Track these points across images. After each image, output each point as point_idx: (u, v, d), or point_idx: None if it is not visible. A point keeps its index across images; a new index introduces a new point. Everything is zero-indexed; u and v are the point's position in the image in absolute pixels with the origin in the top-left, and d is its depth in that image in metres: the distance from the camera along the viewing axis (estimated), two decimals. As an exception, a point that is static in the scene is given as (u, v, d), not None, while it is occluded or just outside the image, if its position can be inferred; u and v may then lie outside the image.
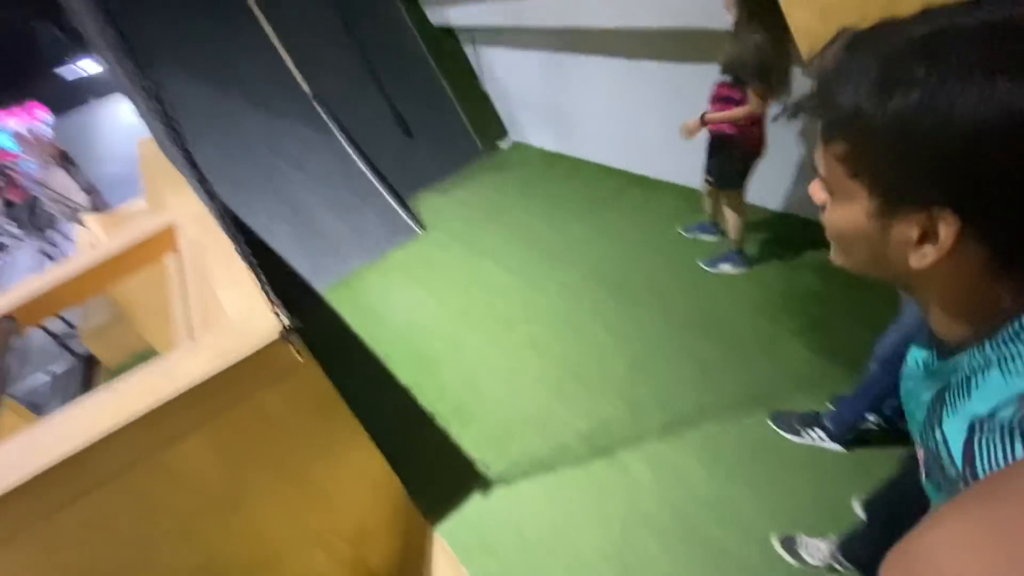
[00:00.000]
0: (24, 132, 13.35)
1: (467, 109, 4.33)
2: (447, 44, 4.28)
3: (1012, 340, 0.39)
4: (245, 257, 1.43)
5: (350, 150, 3.67)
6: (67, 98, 10.12)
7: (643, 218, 3.13)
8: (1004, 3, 0.35)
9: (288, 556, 1.62)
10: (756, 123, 2.02)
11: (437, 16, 4.10)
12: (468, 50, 4.34)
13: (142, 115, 3.10)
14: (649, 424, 1.98)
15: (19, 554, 1.19)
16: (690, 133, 2.14)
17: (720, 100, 2.03)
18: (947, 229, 0.37)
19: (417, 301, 3.08)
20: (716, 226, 2.66)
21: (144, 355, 5.00)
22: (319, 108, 3.68)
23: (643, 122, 3.28)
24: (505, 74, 4.19)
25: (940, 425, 0.41)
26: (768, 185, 2.61)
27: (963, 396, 0.40)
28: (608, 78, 3.31)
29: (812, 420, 1.73)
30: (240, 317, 1.43)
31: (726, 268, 2.52)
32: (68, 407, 1.33)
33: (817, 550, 1.47)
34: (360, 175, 3.65)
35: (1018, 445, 0.34)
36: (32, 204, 8.91)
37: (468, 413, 2.29)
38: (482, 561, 1.77)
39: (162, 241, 2.29)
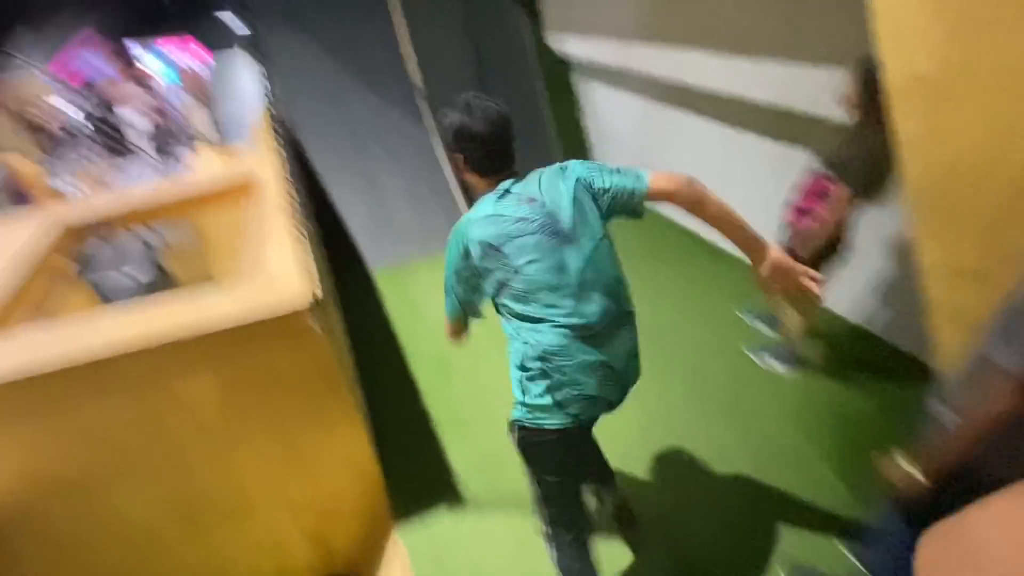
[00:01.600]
0: (186, 68, 15.00)
1: (562, 137, 4.38)
2: (560, 71, 4.38)
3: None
4: (301, 223, 1.51)
5: (434, 144, 3.82)
6: (219, 39, 11.23)
7: (705, 288, 3.01)
8: None
9: (259, 511, 1.68)
10: (839, 223, 1.90)
11: (555, 42, 4.20)
12: (579, 82, 4.41)
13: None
14: (642, 494, 1.88)
15: (26, 435, 1.31)
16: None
17: (816, 195, 1.92)
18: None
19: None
20: (775, 319, 2.51)
21: (207, 286, 5.40)
22: (422, 104, 3.86)
23: (731, 192, 3.15)
24: (607, 112, 4.21)
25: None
26: (843, 292, 2.44)
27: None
28: (705, 140, 3.25)
29: None
30: (278, 276, 1.52)
31: (774, 364, 2.37)
32: (115, 313, 1.46)
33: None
34: (440, 173, 3.78)
35: None
36: (168, 131, 9.93)
37: (467, 429, 2.28)
38: (432, 577, 1.75)
39: (242, 187, 2.47)
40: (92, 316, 1.42)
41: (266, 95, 3.21)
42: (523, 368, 1.22)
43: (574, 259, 1.18)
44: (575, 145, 4.47)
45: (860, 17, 1.86)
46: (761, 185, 2.69)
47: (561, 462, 1.28)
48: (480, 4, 4.09)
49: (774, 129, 2.65)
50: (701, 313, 2.79)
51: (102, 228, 2.20)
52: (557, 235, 1.18)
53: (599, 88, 4.15)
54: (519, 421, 1.25)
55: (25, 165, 4.65)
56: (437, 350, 2.78)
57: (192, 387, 1.43)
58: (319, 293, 1.42)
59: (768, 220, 2.20)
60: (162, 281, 6.06)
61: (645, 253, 3.42)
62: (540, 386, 1.19)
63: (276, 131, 2.81)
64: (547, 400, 1.19)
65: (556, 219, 1.19)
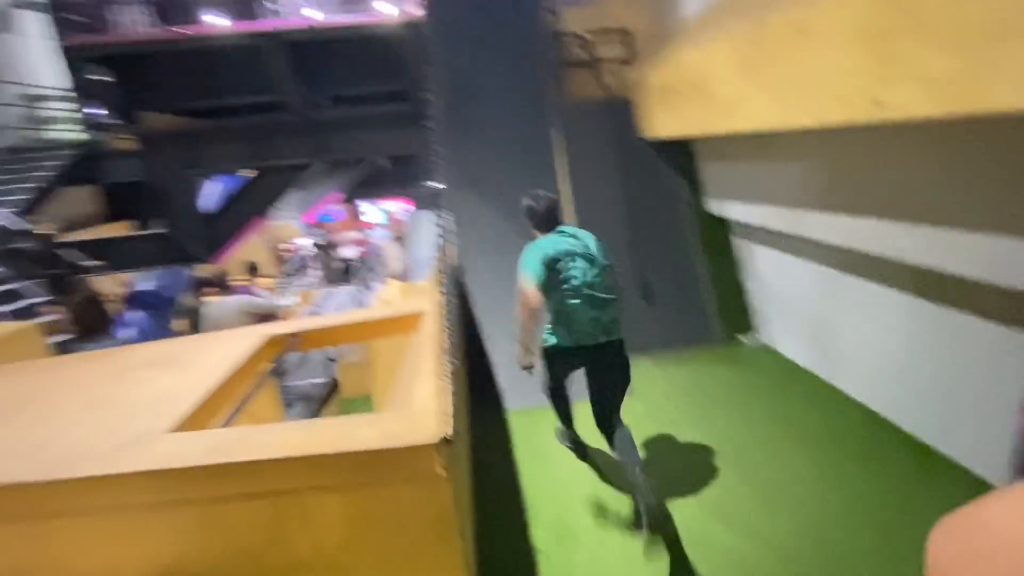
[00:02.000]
0: (392, 212, 18.70)
1: (718, 292, 4.22)
2: (716, 227, 4.37)
3: None
4: (451, 361, 1.61)
5: (588, 297, 3.93)
6: (425, 200, 13.80)
7: (894, 487, 2.39)
8: None
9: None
10: None
11: (715, 206, 4.26)
12: (736, 240, 4.33)
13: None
14: None
15: (172, 520, 1.47)
16: None
17: None
18: None
19: (585, 466, 2.92)
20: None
21: (367, 398, 5.95)
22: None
23: (924, 373, 2.64)
24: (769, 272, 3.99)
25: None
26: None
27: None
28: (888, 311, 2.84)
29: None
30: (418, 411, 1.60)
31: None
32: (284, 426, 1.66)
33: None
34: (588, 321, 3.83)
35: None
36: (366, 261, 12.11)
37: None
38: None
39: (411, 321, 2.79)
40: (261, 426, 1.63)
41: (444, 243, 3.73)
42: (556, 320, 2.45)
43: (594, 269, 2.38)
44: (732, 303, 4.25)
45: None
46: (961, 365, 2.20)
47: (565, 366, 2.61)
48: (641, 170, 4.43)
49: (987, 307, 2.23)
50: (889, 522, 2.17)
51: (296, 342, 2.62)
52: (586, 257, 2.38)
53: (761, 250, 4.00)
54: (549, 344, 2.53)
55: (268, 285, 5.90)
56: (556, 509, 2.56)
57: (320, 503, 1.50)
58: (450, 434, 1.44)
59: (968, 407, 1.76)
60: (333, 390, 6.80)
61: (822, 435, 2.91)
62: (562, 328, 2.43)
63: (447, 274, 3.20)
64: (564, 334, 2.43)
65: (587, 249, 2.42)
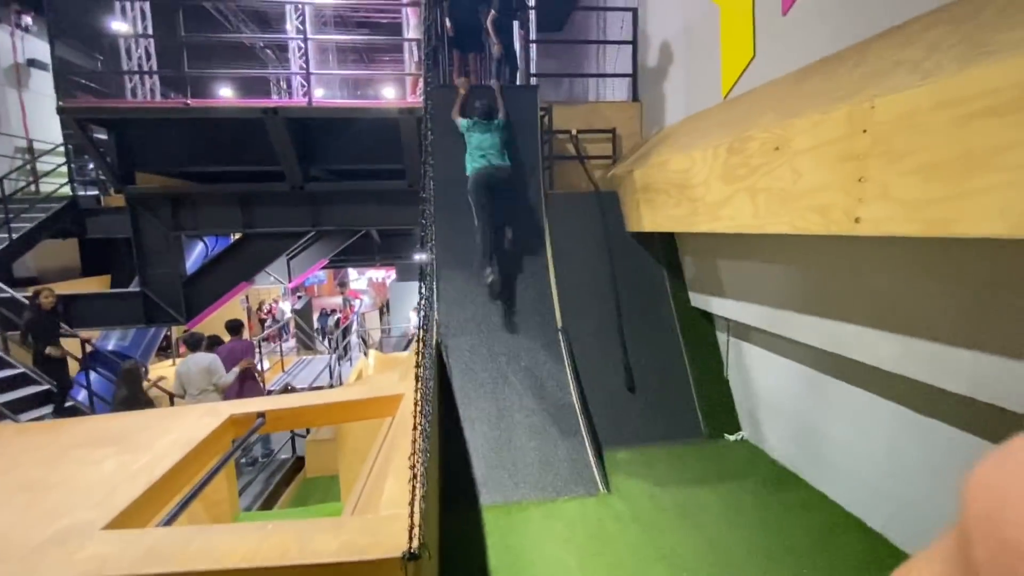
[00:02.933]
0: (374, 279, 18.70)
1: (701, 389, 4.18)
2: (700, 323, 4.41)
3: None
4: (416, 463, 1.50)
5: (572, 385, 3.84)
6: (409, 272, 13.91)
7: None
8: None
9: None
10: None
11: (698, 300, 4.33)
12: (720, 335, 4.35)
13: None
14: None
15: None
16: None
17: None
18: None
19: (563, 567, 2.70)
20: None
21: (334, 478, 5.56)
22: (561, 338, 4.07)
23: (913, 485, 2.57)
24: (754, 370, 3.98)
25: None
26: None
27: None
28: (873, 418, 2.81)
29: None
30: (384, 518, 1.46)
31: None
32: (233, 528, 1.50)
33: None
34: (570, 411, 3.72)
35: None
36: (346, 329, 11.93)
37: None
38: None
39: (388, 404, 2.67)
40: (210, 528, 1.47)
41: (425, 317, 3.67)
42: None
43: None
44: (717, 399, 4.19)
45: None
46: (949, 479, 2.13)
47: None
48: (626, 262, 4.53)
49: (952, 415, 2.25)
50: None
51: (262, 423, 2.46)
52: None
53: (746, 347, 4.02)
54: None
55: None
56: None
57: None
58: (418, 547, 1.31)
59: (946, 506, 1.69)
60: (296, 467, 6.39)
61: (814, 548, 2.75)
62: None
63: (427, 350, 3.11)
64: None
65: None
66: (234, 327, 6.27)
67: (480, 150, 4.23)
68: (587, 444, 3.56)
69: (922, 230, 1.81)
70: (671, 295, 4.50)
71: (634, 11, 5.52)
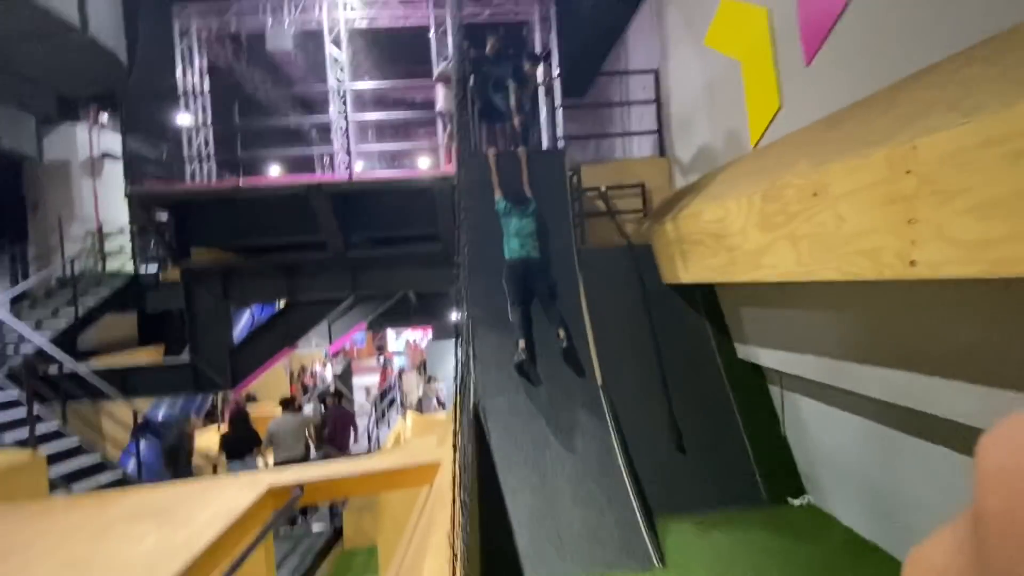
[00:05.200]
0: (411, 341, 18.90)
1: (758, 449, 3.89)
2: (750, 377, 4.18)
3: None
4: (457, 537, 1.42)
5: (617, 447, 3.66)
6: (448, 331, 14.03)
7: None
8: None
9: None
10: None
11: (746, 352, 4.13)
12: (773, 388, 4.11)
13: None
14: None
15: None
16: None
17: None
18: None
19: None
20: None
21: (372, 551, 5.37)
22: (603, 398, 3.93)
23: None
24: (814, 427, 3.70)
25: None
26: None
27: None
28: (959, 477, 2.52)
29: None
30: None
31: None
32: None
33: None
34: (617, 475, 3.52)
35: None
36: (385, 392, 11.95)
37: None
38: None
39: (427, 473, 2.60)
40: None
41: (463, 378, 3.63)
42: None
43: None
44: (776, 459, 3.89)
45: None
46: None
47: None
48: (666, 316, 4.41)
49: None
50: None
51: (300, 495, 2.42)
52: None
53: (803, 401, 3.77)
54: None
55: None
56: None
57: None
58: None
59: None
60: (334, 539, 6.23)
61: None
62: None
63: (466, 413, 3.05)
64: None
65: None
66: (286, 403, 6.92)
67: (519, 237, 4.28)
68: (637, 512, 3.33)
69: (986, 271, 1.69)
70: (716, 348, 4.32)
71: (655, 72, 5.72)
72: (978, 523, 0.26)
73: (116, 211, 8.89)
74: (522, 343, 3.93)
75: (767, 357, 3.86)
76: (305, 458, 6.52)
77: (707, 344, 4.35)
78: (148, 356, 8.82)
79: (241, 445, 6.87)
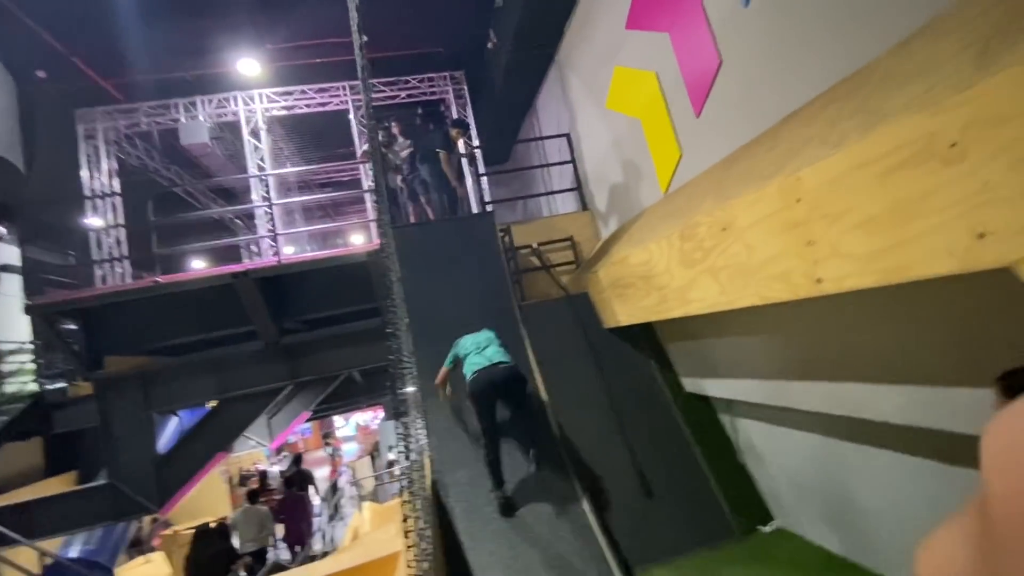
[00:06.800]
0: (362, 423, 17.86)
1: (721, 481, 3.91)
2: (700, 409, 4.26)
3: None
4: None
5: (586, 504, 3.55)
6: (395, 410, 13.46)
7: None
8: None
9: None
10: None
11: (691, 384, 4.24)
12: (724, 417, 4.20)
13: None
14: None
15: None
16: None
17: None
18: None
19: None
20: None
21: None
22: (562, 451, 3.84)
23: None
24: (768, 449, 3.79)
25: None
26: None
27: None
28: (906, 478, 2.64)
29: None
30: None
31: None
32: None
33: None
34: (587, 531, 3.39)
35: None
36: (335, 484, 11.09)
37: None
38: None
39: (385, 567, 2.38)
40: None
41: (414, 457, 3.44)
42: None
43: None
44: (737, 487, 3.91)
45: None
46: None
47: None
48: (611, 356, 4.48)
49: (969, 458, 2.12)
50: None
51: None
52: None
53: (753, 425, 3.87)
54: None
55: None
56: None
57: None
58: None
59: None
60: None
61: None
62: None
63: (420, 496, 2.86)
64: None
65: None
66: (252, 494, 6.40)
67: (476, 346, 3.73)
68: (614, 569, 3.20)
69: (880, 280, 1.86)
70: (664, 384, 4.40)
71: (567, 135, 6.13)
72: (986, 508, 0.27)
73: (17, 328, 8.08)
74: (498, 492, 3.49)
75: (712, 387, 3.97)
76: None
77: (655, 381, 4.42)
78: (58, 487, 7.77)
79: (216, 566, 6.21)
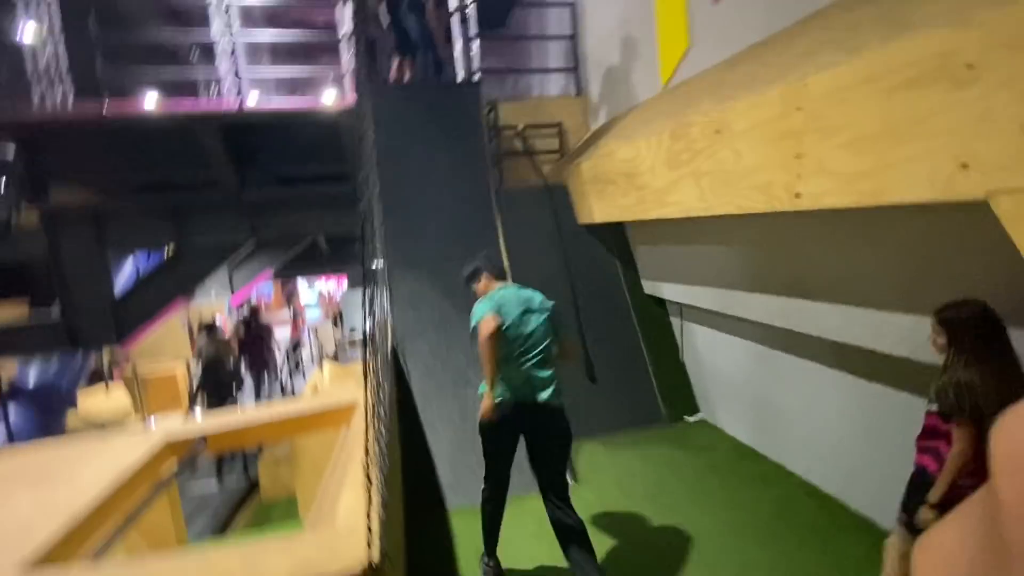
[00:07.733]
0: (324, 292, 18.06)
1: (659, 374, 4.25)
2: (654, 310, 4.48)
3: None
4: (383, 462, 1.41)
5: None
6: (360, 278, 13.54)
7: (849, 572, 2.32)
8: None
9: None
10: (971, 474, 1.65)
11: (650, 287, 4.40)
12: (674, 320, 4.44)
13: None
14: None
15: None
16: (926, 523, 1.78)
17: (927, 432, 1.85)
18: None
19: (535, 562, 2.66)
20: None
21: (292, 500, 5.30)
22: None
23: (864, 451, 2.69)
24: (707, 352, 4.08)
25: None
26: None
27: None
28: (825, 388, 2.93)
29: None
30: (342, 531, 1.36)
31: None
32: (174, 556, 1.36)
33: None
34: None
35: None
36: (297, 343, 11.45)
37: None
38: None
39: (343, 414, 2.54)
40: (147, 559, 1.33)
41: (380, 321, 3.54)
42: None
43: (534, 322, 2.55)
44: (675, 383, 4.27)
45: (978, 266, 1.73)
46: (898, 442, 2.27)
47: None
48: (579, 253, 4.54)
49: (895, 378, 2.40)
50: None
51: (202, 446, 2.28)
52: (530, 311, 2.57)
53: (697, 327, 4.12)
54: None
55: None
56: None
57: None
58: (378, 560, 1.22)
59: (892, 466, 1.83)
60: (248, 492, 6.03)
61: (774, 520, 2.84)
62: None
63: (383, 356, 2.99)
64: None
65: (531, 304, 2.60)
66: (210, 328, 7.22)
67: (525, 362, 2.50)
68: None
69: (856, 201, 1.88)
70: (625, 285, 4.55)
71: (572, 5, 5.56)
72: (995, 510, 0.26)
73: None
74: (490, 562, 2.60)
75: (669, 291, 4.14)
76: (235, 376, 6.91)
77: (617, 281, 4.57)
78: (10, 312, 7.68)
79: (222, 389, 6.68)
